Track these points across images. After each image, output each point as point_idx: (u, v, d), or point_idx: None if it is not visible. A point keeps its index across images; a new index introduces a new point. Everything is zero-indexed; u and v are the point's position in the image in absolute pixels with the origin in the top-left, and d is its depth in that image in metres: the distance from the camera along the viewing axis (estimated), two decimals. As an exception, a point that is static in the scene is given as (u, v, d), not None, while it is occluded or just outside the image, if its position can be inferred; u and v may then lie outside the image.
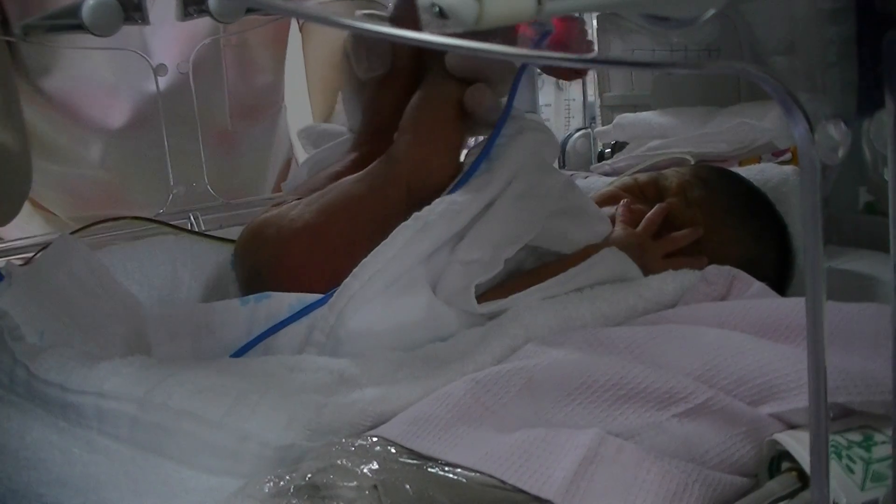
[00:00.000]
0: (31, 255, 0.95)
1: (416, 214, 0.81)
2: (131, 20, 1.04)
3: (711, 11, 0.34)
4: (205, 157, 1.19)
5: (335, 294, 0.77)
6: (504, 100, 0.89)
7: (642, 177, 1.07)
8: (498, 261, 0.80)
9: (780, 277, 1.00)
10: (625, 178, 1.09)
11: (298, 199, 0.90)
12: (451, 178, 0.86)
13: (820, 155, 0.33)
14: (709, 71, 0.37)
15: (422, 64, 0.92)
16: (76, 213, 1.38)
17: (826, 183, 1.11)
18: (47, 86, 1.26)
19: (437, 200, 0.82)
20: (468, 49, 0.30)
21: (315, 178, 0.96)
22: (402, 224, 0.80)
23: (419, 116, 0.89)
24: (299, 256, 0.83)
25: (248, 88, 1.39)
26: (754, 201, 1.04)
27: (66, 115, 1.29)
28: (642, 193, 1.03)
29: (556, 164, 1.68)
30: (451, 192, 0.84)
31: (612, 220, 0.97)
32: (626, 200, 0.99)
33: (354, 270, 0.77)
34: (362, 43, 0.94)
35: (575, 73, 0.89)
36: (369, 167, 0.89)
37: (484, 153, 0.86)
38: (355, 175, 0.89)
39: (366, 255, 0.78)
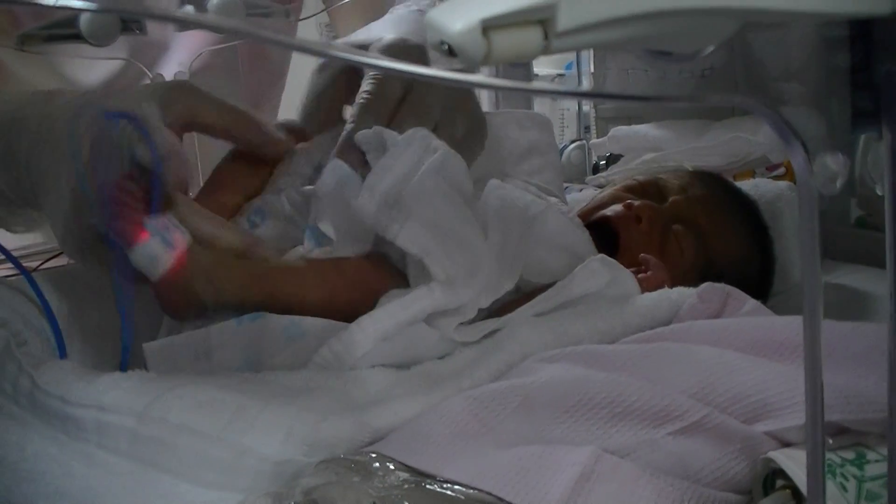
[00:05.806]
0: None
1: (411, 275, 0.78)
2: (129, 30, 1.04)
3: (711, 48, 0.35)
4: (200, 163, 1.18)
5: (340, 344, 0.74)
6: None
7: (641, 177, 1.09)
8: (474, 309, 0.78)
9: (762, 276, 1.04)
10: (625, 181, 1.09)
11: None
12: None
13: (818, 185, 0.33)
14: (707, 103, 0.37)
15: None
16: None
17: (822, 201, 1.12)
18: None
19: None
20: (480, 84, 0.30)
21: None
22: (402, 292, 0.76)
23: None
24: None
25: (254, 73, 1.38)
26: (747, 203, 1.08)
27: None
28: (644, 192, 1.04)
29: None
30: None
31: (618, 217, 0.97)
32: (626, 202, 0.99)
33: (359, 321, 0.74)
34: None
35: None
36: None
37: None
38: None
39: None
